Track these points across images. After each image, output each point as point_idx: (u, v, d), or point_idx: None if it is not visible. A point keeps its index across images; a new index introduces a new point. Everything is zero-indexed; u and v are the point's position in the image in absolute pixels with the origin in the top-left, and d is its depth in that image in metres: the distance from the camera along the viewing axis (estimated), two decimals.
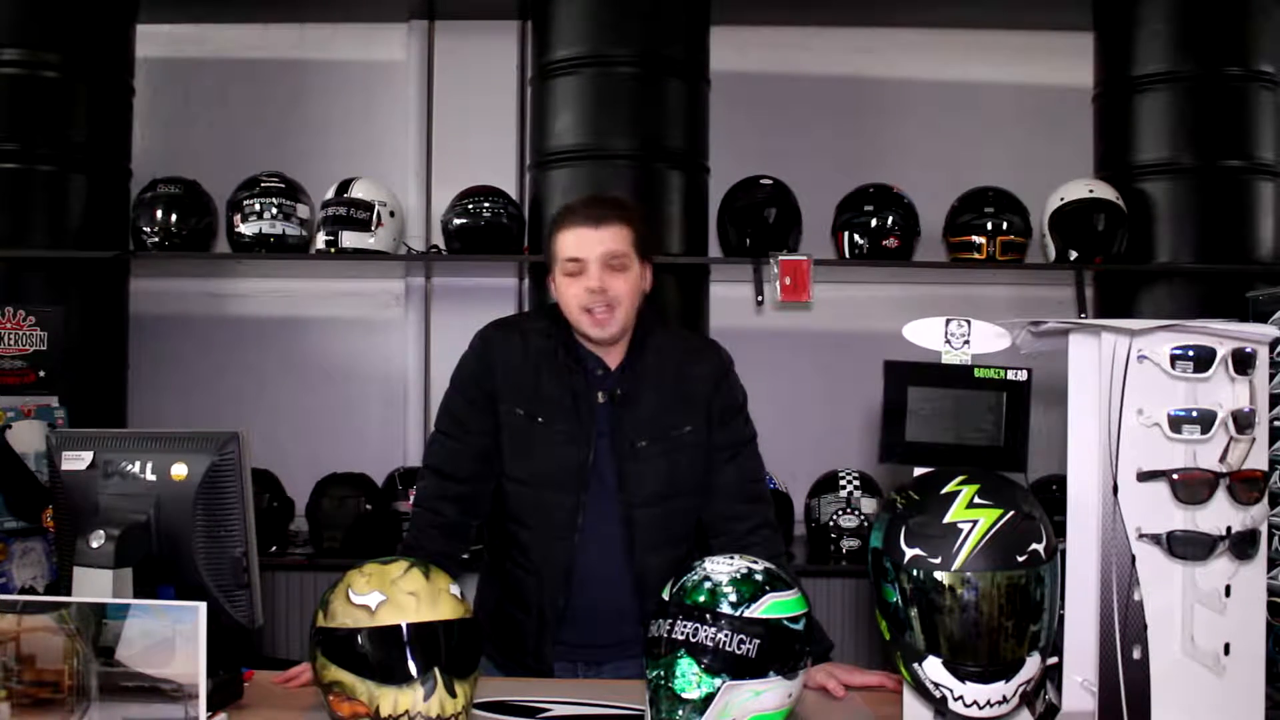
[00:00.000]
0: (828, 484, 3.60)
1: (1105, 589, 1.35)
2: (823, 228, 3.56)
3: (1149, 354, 1.37)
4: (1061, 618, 1.41)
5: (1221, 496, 1.36)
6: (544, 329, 2.00)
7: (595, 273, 1.88)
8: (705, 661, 1.42)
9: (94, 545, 1.53)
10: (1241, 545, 1.36)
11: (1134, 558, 1.36)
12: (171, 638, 1.39)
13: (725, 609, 1.44)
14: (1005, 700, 1.30)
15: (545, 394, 1.96)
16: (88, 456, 1.63)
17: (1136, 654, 1.35)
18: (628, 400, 1.96)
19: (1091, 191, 3.44)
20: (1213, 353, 1.36)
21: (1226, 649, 1.37)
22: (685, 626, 1.44)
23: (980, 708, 1.29)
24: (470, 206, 3.49)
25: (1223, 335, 1.37)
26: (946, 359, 1.45)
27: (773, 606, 1.45)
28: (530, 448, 1.96)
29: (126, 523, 1.56)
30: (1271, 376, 1.59)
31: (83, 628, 1.41)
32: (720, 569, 1.48)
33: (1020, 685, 1.31)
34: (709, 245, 3.56)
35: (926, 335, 1.45)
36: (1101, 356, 1.39)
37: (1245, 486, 1.36)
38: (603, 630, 1.99)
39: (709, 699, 1.41)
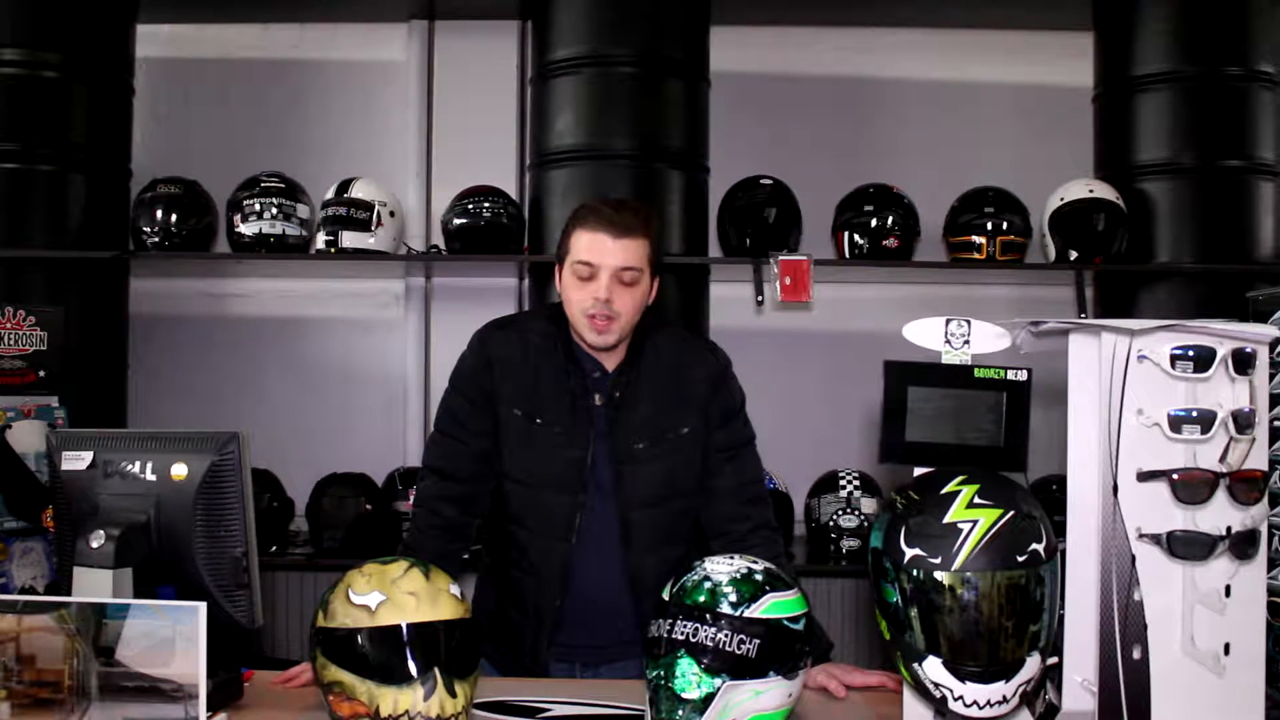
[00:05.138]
0: (828, 484, 3.60)
1: (1105, 589, 1.35)
2: (823, 228, 3.56)
3: (1149, 354, 1.37)
4: (1061, 618, 1.41)
5: (1221, 496, 1.36)
6: (543, 329, 2.00)
7: (606, 283, 1.87)
8: (705, 661, 1.42)
9: (94, 545, 1.53)
10: (1241, 545, 1.36)
11: (1134, 558, 1.36)
12: (171, 638, 1.39)
13: (725, 609, 1.44)
14: (1005, 700, 1.30)
15: (544, 395, 1.96)
16: (88, 456, 1.63)
17: (1136, 654, 1.35)
18: (625, 403, 1.96)
19: (1091, 191, 3.44)
20: (1213, 353, 1.36)
21: (1226, 649, 1.37)
22: (685, 626, 1.44)
23: (980, 708, 1.29)
24: (470, 206, 3.49)
25: (1223, 335, 1.37)
26: (946, 359, 1.45)
27: (773, 606, 1.45)
28: (529, 448, 1.96)
29: (126, 523, 1.56)
30: (1271, 376, 1.59)
31: (83, 628, 1.41)
32: (720, 569, 1.48)
33: (1020, 685, 1.31)
34: (709, 245, 3.56)
35: (926, 335, 1.45)
36: (1101, 356, 1.39)
37: (1245, 486, 1.36)
38: (600, 631, 1.99)
39: (709, 699, 1.41)
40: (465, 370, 2.01)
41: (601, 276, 1.87)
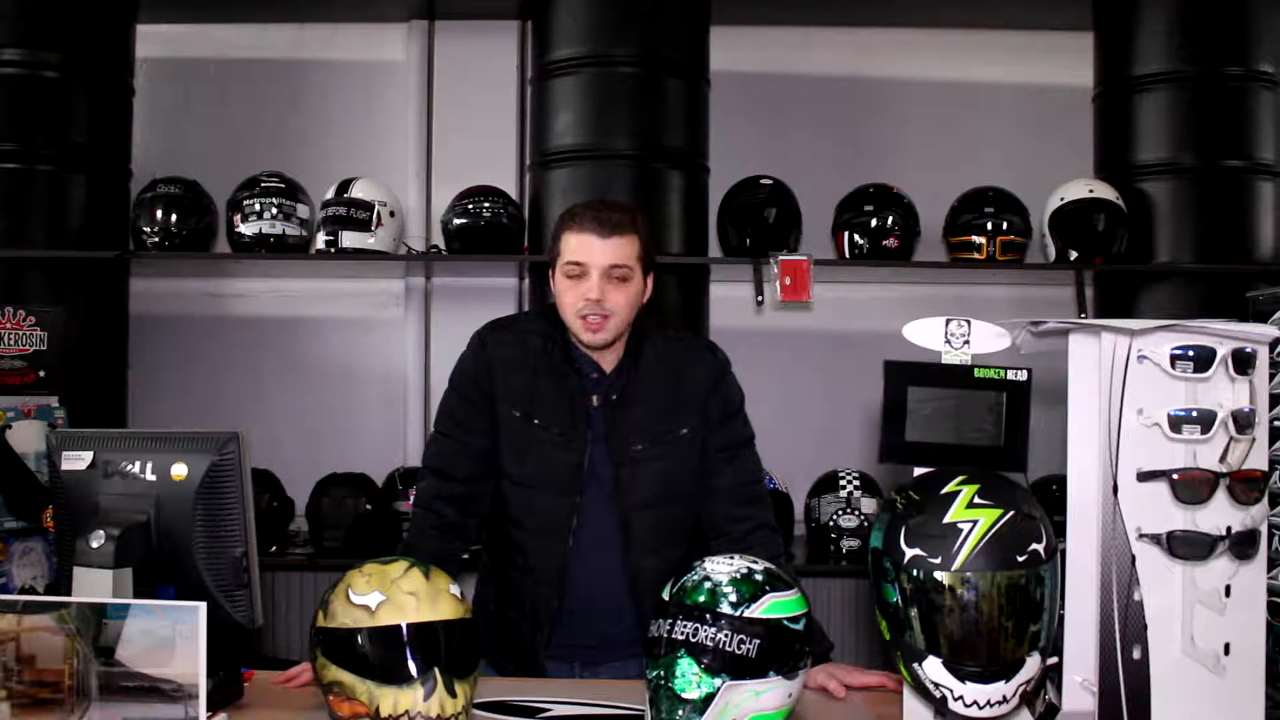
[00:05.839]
0: (828, 484, 3.60)
1: (1105, 589, 1.35)
2: (823, 228, 3.56)
3: (1149, 354, 1.37)
4: (1061, 618, 1.41)
5: (1221, 496, 1.36)
6: (541, 330, 1.99)
7: (596, 282, 1.87)
8: (705, 661, 1.42)
9: (94, 545, 1.53)
10: (1241, 545, 1.36)
11: (1134, 558, 1.36)
12: (171, 638, 1.39)
13: (725, 609, 1.44)
14: (1005, 700, 1.30)
15: (542, 396, 1.95)
16: (88, 456, 1.63)
17: (1136, 654, 1.35)
18: (623, 404, 1.96)
19: (1091, 191, 3.44)
20: (1213, 353, 1.36)
21: (1226, 649, 1.37)
22: (685, 626, 1.44)
23: (980, 708, 1.29)
24: (470, 206, 3.50)
25: (1223, 335, 1.37)
26: (946, 359, 1.45)
27: (773, 606, 1.45)
28: (527, 449, 1.96)
29: (126, 523, 1.56)
30: (1271, 376, 1.59)
31: (83, 628, 1.41)
32: (720, 569, 1.48)
33: (1020, 685, 1.31)
34: (709, 245, 3.56)
35: (926, 335, 1.45)
36: (1101, 356, 1.39)
37: (1245, 486, 1.36)
38: (599, 631, 1.98)
39: (709, 699, 1.41)
40: (465, 371, 2.01)
41: (592, 276, 1.87)
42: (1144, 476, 1.36)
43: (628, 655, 1.94)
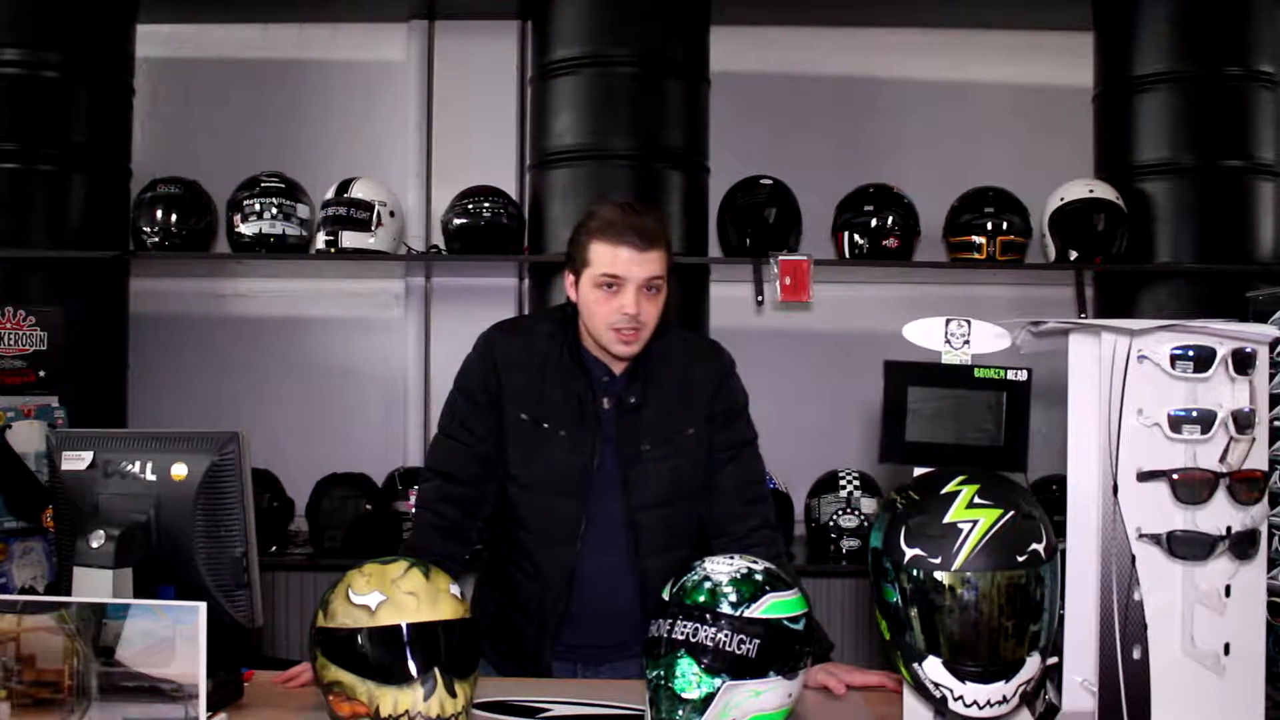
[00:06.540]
0: (828, 484, 3.60)
1: (1105, 589, 1.35)
2: (823, 228, 3.56)
3: (1149, 354, 1.37)
4: (1061, 618, 1.41)
5: (1221, 496, 1.36)
6: (550, 332, 1.98)
7: (633, 296, 1.85)
8: (705, 661, 1.42)
9: (94, 545, 1.53)
10: (1241, 545, 1.36)
11: (1134, 558, 1.36)
12: (171, 638, 1.39)
13: (725, 609, 1.44)
14: (1005, 700, 1.30)
15: (550, 399, 1.94)
16: (88, 456, 1.63)
17: (1136, 654, 1.35)
18: (633, 405, 1.95)
19: (1091, 191, 3.44)
20: (1213, 353, 1.36)
21: (1226, 649, 1.37)
22: (685, 626, 1.44)
23: (980, 708, 1.29)
24: (470, 206, 3.49)
25: (1223, 335, 1.37)
26: (946, 359, 1.45)
27: (773, 606, 1.45)
28: (535, 452, 1.95)
29: (126, 523, 1.57)
30: (1271, 376, 1.59)
31: (83, 628, 1.41)
32: (720, 569, 1.48)
33: (1020, 685, 1.31)
34: (709, 245, 3.56)
35: (926, 335, 1.45)
36: (1101, 356, 1.39)
37: (1245, 486, 1.36)
38: (603, 632, 1.98)
39: (709, 699, 1.41)
40: (470, 372, 2.00)
41: (629, 290, 1.85)
42: (1144, 476, 1.36)
43: (630, 655, 1.94)
